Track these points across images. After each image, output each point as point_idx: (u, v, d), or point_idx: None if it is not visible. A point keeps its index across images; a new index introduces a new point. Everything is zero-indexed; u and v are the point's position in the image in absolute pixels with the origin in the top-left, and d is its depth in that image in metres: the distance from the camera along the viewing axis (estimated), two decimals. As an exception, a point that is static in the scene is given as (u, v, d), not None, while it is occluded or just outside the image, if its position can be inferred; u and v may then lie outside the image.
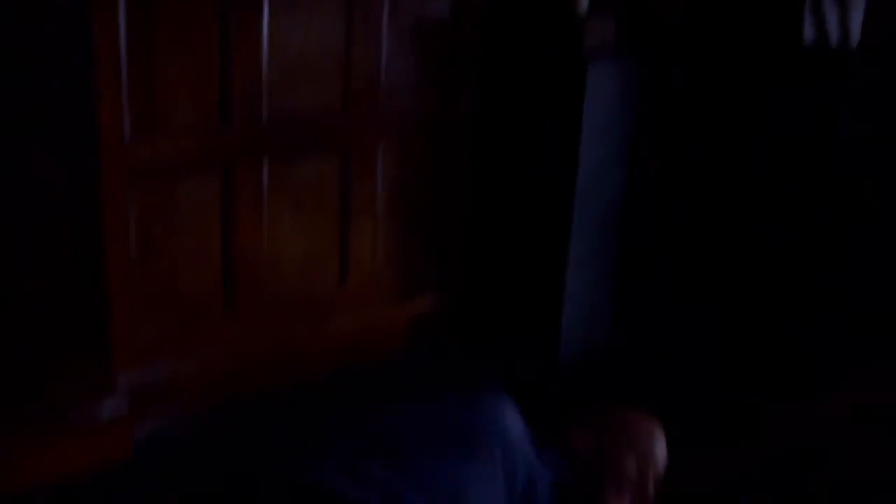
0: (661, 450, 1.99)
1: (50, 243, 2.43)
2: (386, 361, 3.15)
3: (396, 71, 2.95)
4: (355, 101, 2.88)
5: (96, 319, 2.51)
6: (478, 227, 3.30)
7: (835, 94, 3.12)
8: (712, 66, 3.39)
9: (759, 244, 3.36)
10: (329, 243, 2.97)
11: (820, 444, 2.73)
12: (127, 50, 2.38)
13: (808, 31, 3.14)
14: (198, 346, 2.73)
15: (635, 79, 3.09)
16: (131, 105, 2.43)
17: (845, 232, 3.27)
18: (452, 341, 3.30)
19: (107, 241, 2.45)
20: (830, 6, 3.10)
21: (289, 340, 2.95)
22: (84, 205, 2.44)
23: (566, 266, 3.06)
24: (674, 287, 3.52)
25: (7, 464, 2.33)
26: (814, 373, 3.17)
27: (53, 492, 2.31)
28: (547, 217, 3.11)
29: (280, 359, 2.95)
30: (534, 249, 3.17)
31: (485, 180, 3.26)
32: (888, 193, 3.32)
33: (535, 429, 1.99)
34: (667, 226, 3.51)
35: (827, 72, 3.13)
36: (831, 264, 3.27)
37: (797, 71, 3.20)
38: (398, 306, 3.19)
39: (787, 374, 3.15)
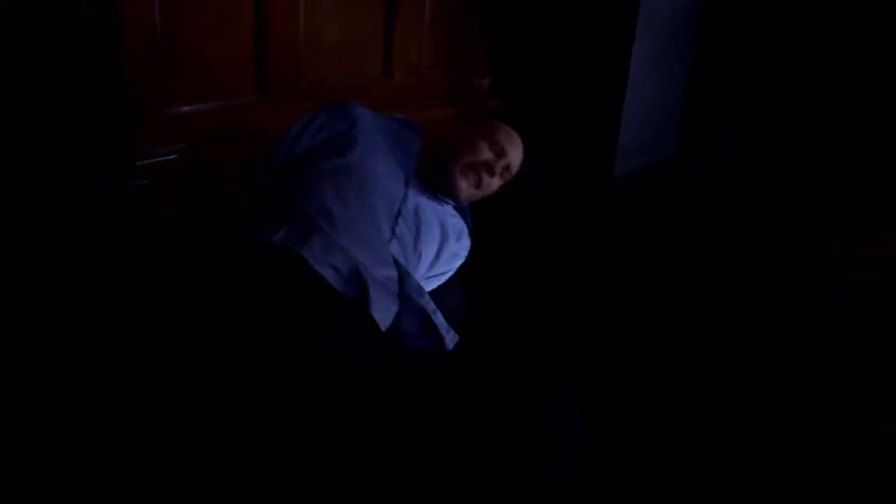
0: (514, 148, 2.25)
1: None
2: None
3: None
4: None
5: (116, 97, 2.40)
6: (535, 25, 3.04)
7: None
8: None
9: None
10: (372, 31, 2.76)
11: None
12: None
13: None
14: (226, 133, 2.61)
15: None
16: None
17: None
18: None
19: (125, 11, 2.30)
20: None
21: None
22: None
23: (627, 72, 2.80)
24: (754, 103, 3.22)
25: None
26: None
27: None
28: (609, 13, 2.84)
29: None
30: (593, 51, 2.92)
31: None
32: None
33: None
34: (757, 30, 3.16)
35: None
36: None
37: None
38: (447, 106, 3.00)
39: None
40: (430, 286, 2.12)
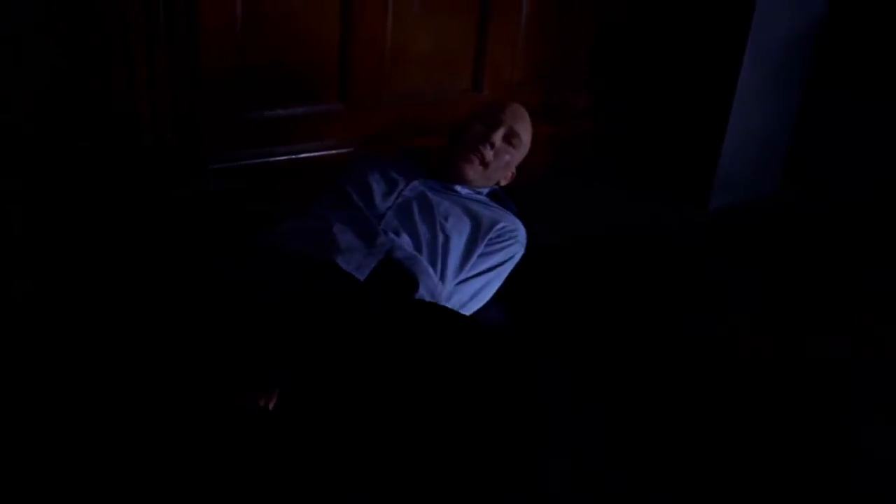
0: (509, 114, 2.13)
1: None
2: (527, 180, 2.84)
3: None
4: None
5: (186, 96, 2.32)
6: (637, 45, 2.88)
7: None
8: None
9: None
10: (463, 43, 2.65)
11: None
12: None
13: None
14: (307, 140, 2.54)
15: None
16: None
17: None
18: (599, 167, 2.95)
19: (205, 11, 2.23)
20: None
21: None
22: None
23: (732, 100, 2.62)
24: (865, 143, 2.99)
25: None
26: None
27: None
28: (716, 36, 2.67)
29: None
30: (697, 75, 2.76)
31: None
32: None
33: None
34: (873, 64, 2.94)
35: None
36: None
37: None
38: (538, 126, 2.84)
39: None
40: (472, 287, 2.02)
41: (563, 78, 2.84)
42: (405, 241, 1.92)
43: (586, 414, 1.93)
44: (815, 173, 2.97)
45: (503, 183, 2.20)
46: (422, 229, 1.96)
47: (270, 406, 1.55)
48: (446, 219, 2.00)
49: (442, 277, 1.93)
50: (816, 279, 2.53)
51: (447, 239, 1.97)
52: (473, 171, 2.08)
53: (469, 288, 2.01)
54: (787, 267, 2.57)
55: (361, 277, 1.78)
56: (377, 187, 2.02)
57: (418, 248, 1.93)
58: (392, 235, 1.91)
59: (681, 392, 2.03)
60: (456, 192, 2.09)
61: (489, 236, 2.03)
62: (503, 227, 2.06)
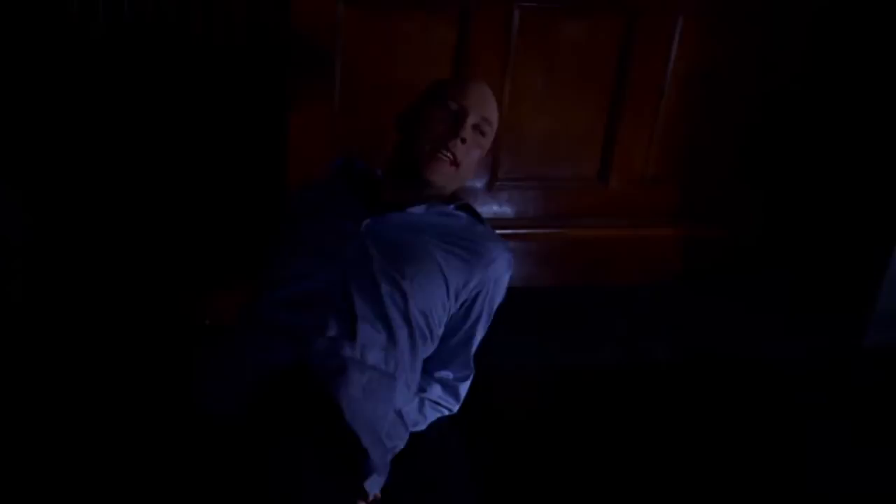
0: (474, 96, 1.72)
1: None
2: (645, 285, 2.54)
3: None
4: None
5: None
6: (790, 147, 2.53)
7: None
8: None
9: None
10: (591, 127, 2.39)
11: None
12: None
13: None
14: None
15: None
16: None
17: None
18: (733, 279, 2.59)
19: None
20: None
21: (517, 237, 2.43)
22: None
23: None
24: None
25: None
26: None
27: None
28: (881, 160, 2.32)
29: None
30: (860, 186, 2.40)
31: (811, 90, 2.47)
32: None
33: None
34: None
35: None
36: None
37: None
38: (668, 226, 2.54)
39: None
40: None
41: (703, 175, 2.52)
42: (365, 335, 1.56)
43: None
44: None
45: (470, 178, 1.83)
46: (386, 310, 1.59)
47: None
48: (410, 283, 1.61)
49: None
50: None
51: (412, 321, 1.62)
52: (444, 175, 1.68)
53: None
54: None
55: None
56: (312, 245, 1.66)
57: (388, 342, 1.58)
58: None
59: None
60: (416, 225, 1.68)
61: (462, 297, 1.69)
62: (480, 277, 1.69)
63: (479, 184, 2.36)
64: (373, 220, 1.65)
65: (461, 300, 1.69)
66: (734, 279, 2.57)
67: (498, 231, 2.36)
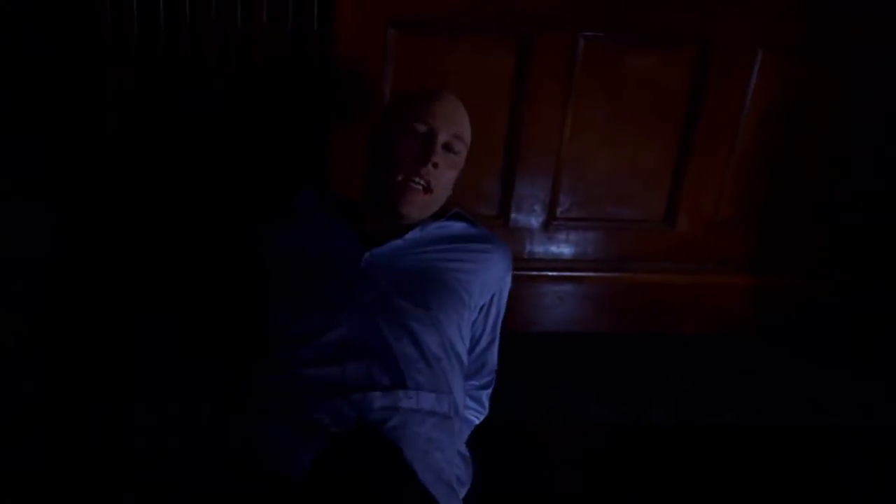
0: (443, 112, 1.61)
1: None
2: (712, 337, 2.35)
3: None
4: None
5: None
6: (876, 192, 2.31)
7: None
8: None
9: None
10: (657, 165, 2.21)
11: None
12: None
13: None
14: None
15: None
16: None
17: None
18: (811, 334, 2.38)
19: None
20: None
21: (574, 279, 2.27)
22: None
23: None
24: None
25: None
26: None
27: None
28: None
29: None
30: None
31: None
32: None
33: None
34: None
35: None
36: None
37: None
38: (739, 274, 2.34)
39: None
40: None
41: (779, 219, 2.31)
42: (413, 377, 1.47)
43: None
44: None
45: (448, 195, 1.68)
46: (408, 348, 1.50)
47: None
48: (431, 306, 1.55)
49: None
50: None
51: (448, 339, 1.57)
52: (417, 205, 1.59)
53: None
54: None
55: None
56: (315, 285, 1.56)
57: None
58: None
59: None
60: (417, 246, 1.62)
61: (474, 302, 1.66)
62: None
63: (534, 222, 2.20)
64: (372, 254, 1.56)
65: (479, 305, 1.66)
66: (812, 333, 2.36)
67: (553, 273, 2.25)
